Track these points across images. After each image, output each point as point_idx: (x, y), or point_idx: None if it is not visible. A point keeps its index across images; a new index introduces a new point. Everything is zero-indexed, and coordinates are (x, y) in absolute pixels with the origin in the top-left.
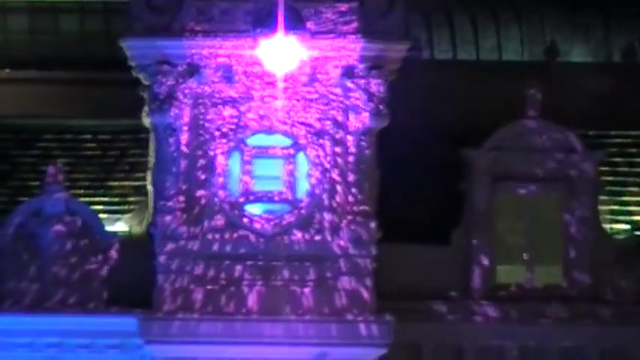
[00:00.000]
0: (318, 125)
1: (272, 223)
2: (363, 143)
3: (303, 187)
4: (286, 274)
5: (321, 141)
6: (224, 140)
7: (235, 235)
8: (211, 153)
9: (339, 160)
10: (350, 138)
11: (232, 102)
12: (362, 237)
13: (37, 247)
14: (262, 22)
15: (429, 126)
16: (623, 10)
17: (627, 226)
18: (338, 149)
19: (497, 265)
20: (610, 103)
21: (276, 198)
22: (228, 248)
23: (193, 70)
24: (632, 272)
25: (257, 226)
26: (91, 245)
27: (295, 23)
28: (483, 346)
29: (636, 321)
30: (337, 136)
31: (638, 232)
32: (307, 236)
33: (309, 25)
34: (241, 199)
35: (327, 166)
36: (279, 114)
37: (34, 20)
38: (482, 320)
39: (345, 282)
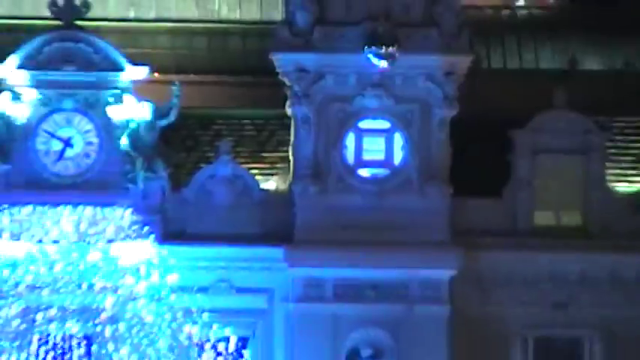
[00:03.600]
0: (409, 114)
1: (377, 180)
2: (440, 127)
3: (399, 157)
4: (389, 219)
5: (412, 126)
6: (342, 124)
7: (350, 190)
8: (333, 133)
9: (424, 139)
10: (432, 123)
11: (349, 98)
12: (440, 192)
13: (212, 200)
14: (370, 41)
15: (488, 116)
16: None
17: (625, 185)
18: (424, 131)
19: (535, 212)
20: (613, 96)
21: (380, 164)
22: (345, 201)
23: (321, 76)
24: (630, 218)
25: (365, 184)
26: (249, 198)
27: (393, 41)
28: (524, 272)
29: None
30: (423, 122)
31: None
32: (402, 191)
33: (404, 43)
34: (354, 166)
35: (418, 143)
36: (382, 106)
37: (211, 41)
38: (523, 252)
39: (429, 224)
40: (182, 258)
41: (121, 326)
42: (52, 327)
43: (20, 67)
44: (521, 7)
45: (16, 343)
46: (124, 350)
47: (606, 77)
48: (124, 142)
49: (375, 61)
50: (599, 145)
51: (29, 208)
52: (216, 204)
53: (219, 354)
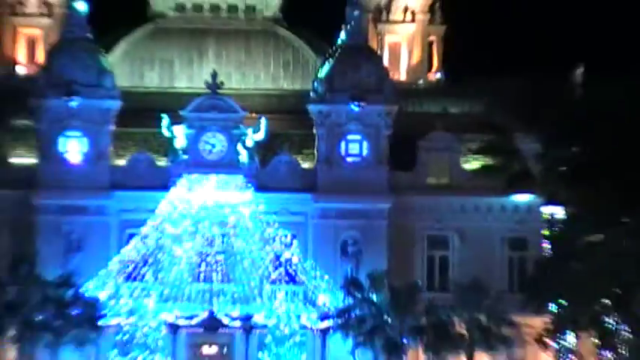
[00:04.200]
0: (369, 132)
1: (355, 163)
2: (384, 139)
3: (366, 152)
4: (360, 181)
5: (371, 137)
6: (338, 136)
7: (343, 168)
8: (334, 140)
9: (377, 144)
10: (380, 137)
11: (344, 124)
12: (384, 169)
13: (279, 172)
14: (351, 98)
15: (406, 134)
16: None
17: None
18: (377, 141)
19: (427, 177)
20: (465, 125)
21: (356, 155)
22: (340, 173)
23: (329, 115)
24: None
25: (349, 165)
26: (296, 172)
27: (362, 99)
28: (422, 205)
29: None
30: (376, 136)
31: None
32: (366, 168)
33: (367, 99)
34: (344, 156)
35: (374, 145)
36: (357, 128)
37: (281, 98)
38: (422, 196)
39: (378, 183)
40: (265, 199)
41: (237, 230)
42: (215, 229)
43: (191, 111)
44: (421, 83)
45: (187, 245)
46: (239, 243)
47: (462, 116)
48: (239, 146)
49: (353, 107)
50: (456, 148)
51: (195, 175)
52: (281, 174)
53: (281, 243)
